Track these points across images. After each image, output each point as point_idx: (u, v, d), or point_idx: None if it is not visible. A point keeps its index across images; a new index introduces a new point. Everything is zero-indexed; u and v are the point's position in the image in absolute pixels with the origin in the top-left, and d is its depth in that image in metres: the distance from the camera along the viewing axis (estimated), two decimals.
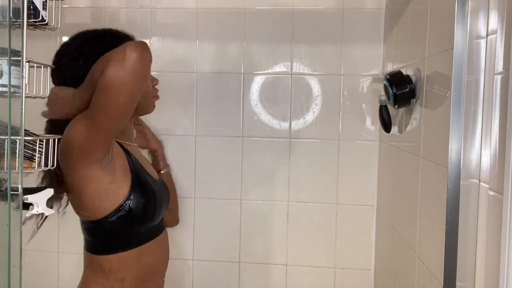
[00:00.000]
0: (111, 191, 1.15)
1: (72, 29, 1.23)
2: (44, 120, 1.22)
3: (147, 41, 1.73)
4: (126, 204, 1.15)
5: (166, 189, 1.39)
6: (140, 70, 1.07)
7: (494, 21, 0.83)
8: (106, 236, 1.19)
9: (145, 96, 1.24)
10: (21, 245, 0.84)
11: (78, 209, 1.20)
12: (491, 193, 0.81)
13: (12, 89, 0.85)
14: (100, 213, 1.15)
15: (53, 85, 1.20)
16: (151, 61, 1.11)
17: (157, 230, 1.28)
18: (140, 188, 1.19)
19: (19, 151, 0.85)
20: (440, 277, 0.92)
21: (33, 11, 0.94)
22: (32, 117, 0.96)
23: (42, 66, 0.97)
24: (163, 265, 1.33)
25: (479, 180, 0.86)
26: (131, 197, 1.16)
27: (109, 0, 1.74)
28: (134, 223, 1.18)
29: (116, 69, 1.03)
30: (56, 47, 1.22)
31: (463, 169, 0.88)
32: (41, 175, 1.21)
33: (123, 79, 1.04)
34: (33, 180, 1.18)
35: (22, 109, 0.85)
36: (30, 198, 0.89)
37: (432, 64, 1.05)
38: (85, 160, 1.12)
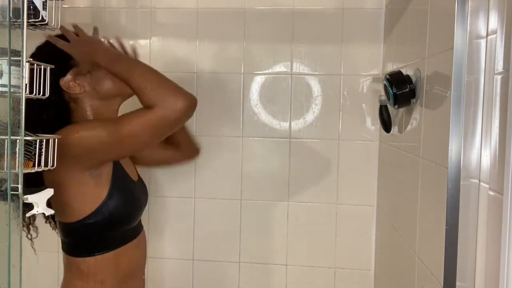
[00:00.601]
0: (93, 193, 1.14)
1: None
2: None
3: (147, 41, 1.73)
4: (104, 207, 1.15)
5: (144, 189, 1.37)
6: (181, 122, 1.19)
7: (494, 21, 0.83)
8: (83, 239, 1.18)
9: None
10: (21, 245, 0.84)
11: (57, 209, 1.16)
12: (491, 193, 0.81)
13: (12, 89, 0.85)
14: (78, 215, 1.14)
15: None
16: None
17: (135, 232, 1.27)
18: (119, 192, 1.18)
19: (19, 151, 0.85)
20: (440, 277, 0.92)
21: (33, 11, 0.94)
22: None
23: (42, 66, 0.97)
24: (142, 265, 1.33)
25: (479, 180, 0.86)
26: (110, 200, 1.15)
27: (109, 0, 1.74)
28: (111, 226, 1.18)
29: (167, 116, 1.11)
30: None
31: (463, 169, 0.88)
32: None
33: (168, 125, 1.14)
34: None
35: (22, 109, 0.85)
36: (30, 198, 0.89)
37: (432, 64, 1.05)
38: (80, 164, 1.11)
